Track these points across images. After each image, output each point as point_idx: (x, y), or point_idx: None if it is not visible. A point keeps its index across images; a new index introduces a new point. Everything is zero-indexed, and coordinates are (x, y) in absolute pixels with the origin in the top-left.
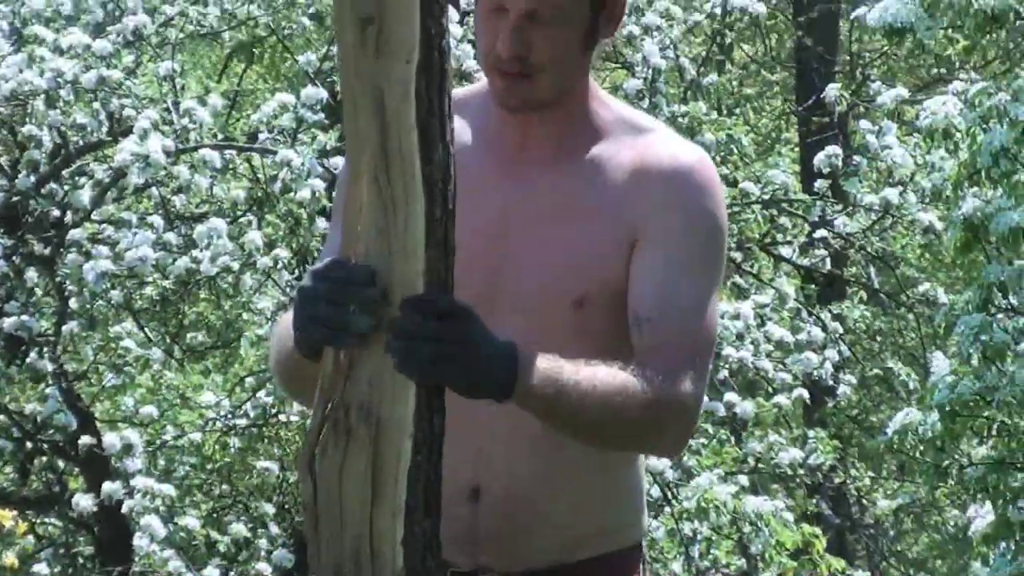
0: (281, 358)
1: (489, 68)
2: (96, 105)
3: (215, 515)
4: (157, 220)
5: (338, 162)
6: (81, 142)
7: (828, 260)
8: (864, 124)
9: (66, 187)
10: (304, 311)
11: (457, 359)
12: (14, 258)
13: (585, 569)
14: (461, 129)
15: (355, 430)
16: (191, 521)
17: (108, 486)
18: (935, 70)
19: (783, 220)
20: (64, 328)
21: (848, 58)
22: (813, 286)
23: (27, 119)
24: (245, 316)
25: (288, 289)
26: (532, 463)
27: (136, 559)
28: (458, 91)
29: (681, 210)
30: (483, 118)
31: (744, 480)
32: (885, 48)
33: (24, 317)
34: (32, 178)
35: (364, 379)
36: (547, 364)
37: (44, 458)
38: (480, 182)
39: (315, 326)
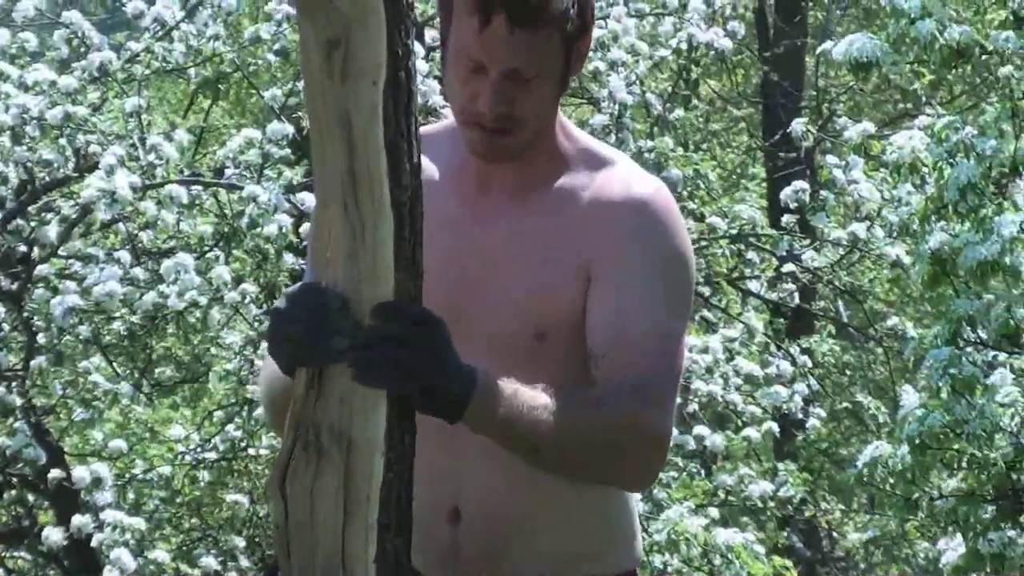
0: (269, 388)
1: (465, 122)
2: (62, 141)
3: (185, 548)
4: (124, 255)
5: (305, 197)
6: (47, 178)
7: (796, 294)
8: (831, 159)
9: (33, 223)
10: (278, 332)
11: (419, 365)
12: None
13: None
14: (426, 165)
15: (326, 450)
16: (161, 554)
17: (78, 519)
18: (901, 105)
19: (751, 255)
20: (32, 363)
21: (814, 93)
22: (782, 320)
23: None
24: (213, 351)
25: (256, 323)
26: (510, 484)
27: None
28: (424, 128)
29: (634, 241)
30: (448, 155)
31: (715, 513)
32: (851, 83)
33: None
34: None
35: (335, 399)
36: (504, 388)
37: (13, 491)
38: (443, 218)
39: (288, 347)
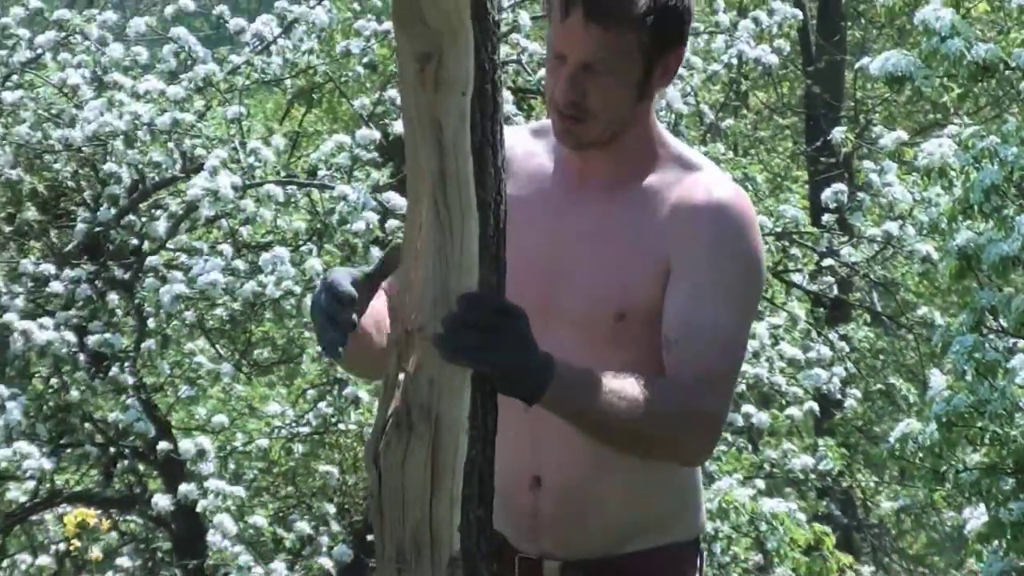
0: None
1: (550, 109)
2: (170, 145)
3: (281, 514)
4: (226, 248)
5: (390, 196)
6: (157, 178)
7: (835, 286)
8: (867, 164)
9: (143, 219)
10: (313, 317)
11: (500, 351)
12: (97, 282)
13: (637, 560)
14: (540, 152)
15: (416, 427)
16: (259, 520)
17: (184, 488)
18: (932, 115)
19: (794, 250)
20: (143, 345)
21: (852, 104)
22: (822, 309)
23: (108, 158)
24: (306, 334)
25: None
26: (585, 454)
27: (209, 554)
28: (544, 121)
29: (708, 242)
30: (557, 146)
31: (761, 484)
32: (886, 95)
33: (107, 335)
34: (112, 211)
35: (425, 381)
36: (579, 376)
37: (125, 462)
38: (545, 203)
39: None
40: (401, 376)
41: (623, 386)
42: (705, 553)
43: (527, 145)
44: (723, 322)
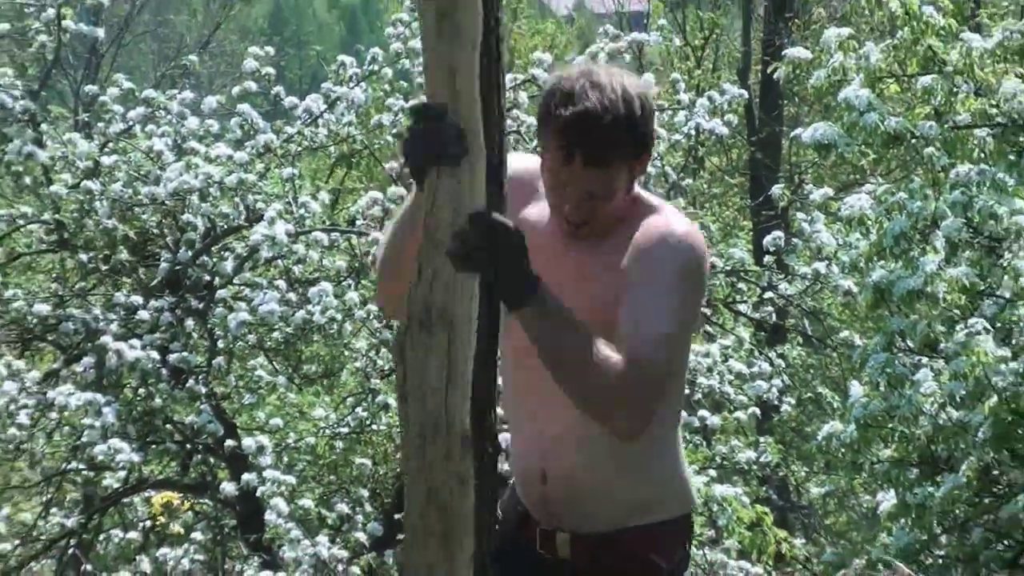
0: (388, 242)
1: (555, 211)
2: (236, 199)
3: (324, 498)
4: (281, 284)
5: None
6: (225, 226)
7: (774, 314)
8: (800, 215)
9: (214, 259)
10: (413, 143)
11: (499, 261)
12: (176, 311)
13: (631, 535)
14: (540, 195)
15: (435, 326)
16: (307, 502)
17: (246, 476)
18: (852, 175)
19: (741, 285)
20: (213, 362)
21: (788, 166)
22: (763, 333)
23: (186, 210)
24: (346, 353)
25: (376, 334)
26: (581, 455)
27: (267, 530)
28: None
29: (656, 256)
30: None
31: (713, 473)
32: (815, 159)
33: (184, 354)
34: (189, 253)
35: (441, 286)
36: (558, 304)
37: (199, 456)
38: (550, 235)
39: (420, 152)
40: (422, 283)
41: (586, 339)
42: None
43: (534, 182)
44: (661, 328)
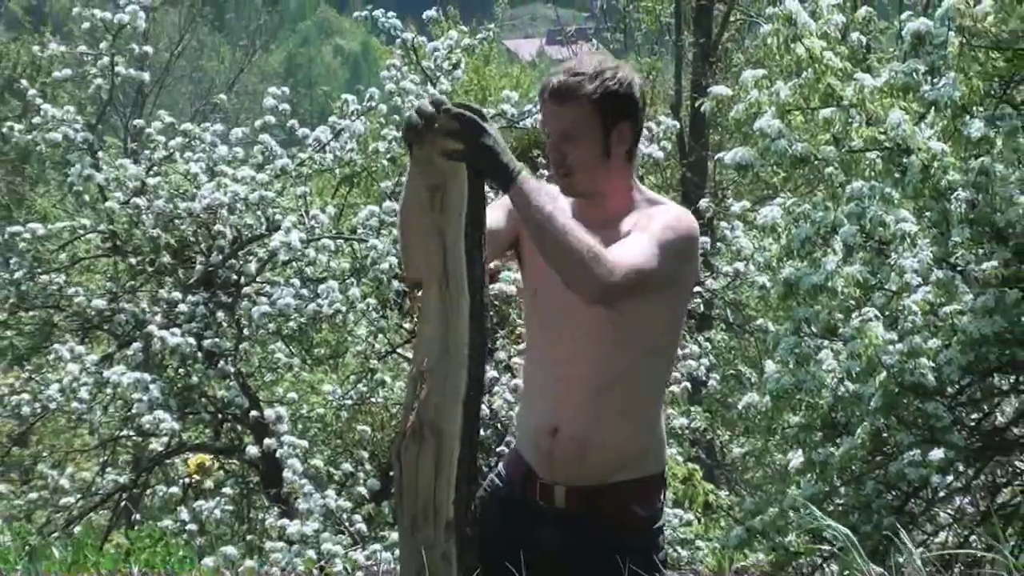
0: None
1: (552, 172)
2: (258, 213)
3: (332, 458)
4: (296, 282)
5: None
6: (249, 235)
7: (702, 305)
8: (723, 224)
9: (241, 262)
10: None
11: (492, 147)
12: (209, 305)
13: (621, 487)
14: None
15: (426, 436)
16: (318, 462)
17: (267, 441)
18: (766, 191)
19: None
20: (240, 346)
21: (713, 184)
22: (693, 321)
23: (217, 221)
24: (349, 339)
25: (374, 324)
26: (588, 411)
27: (284, 485)
28: None
29: (652, 219)
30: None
31: None
32: (735, 178)
33: (216, 340)
34: (220, 257)
35: (432, 404)
36: (541, 185)
37: (228, 424)
38: None
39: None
40: (415, 402)
41: (567, 216)
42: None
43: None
44: (643, 249)
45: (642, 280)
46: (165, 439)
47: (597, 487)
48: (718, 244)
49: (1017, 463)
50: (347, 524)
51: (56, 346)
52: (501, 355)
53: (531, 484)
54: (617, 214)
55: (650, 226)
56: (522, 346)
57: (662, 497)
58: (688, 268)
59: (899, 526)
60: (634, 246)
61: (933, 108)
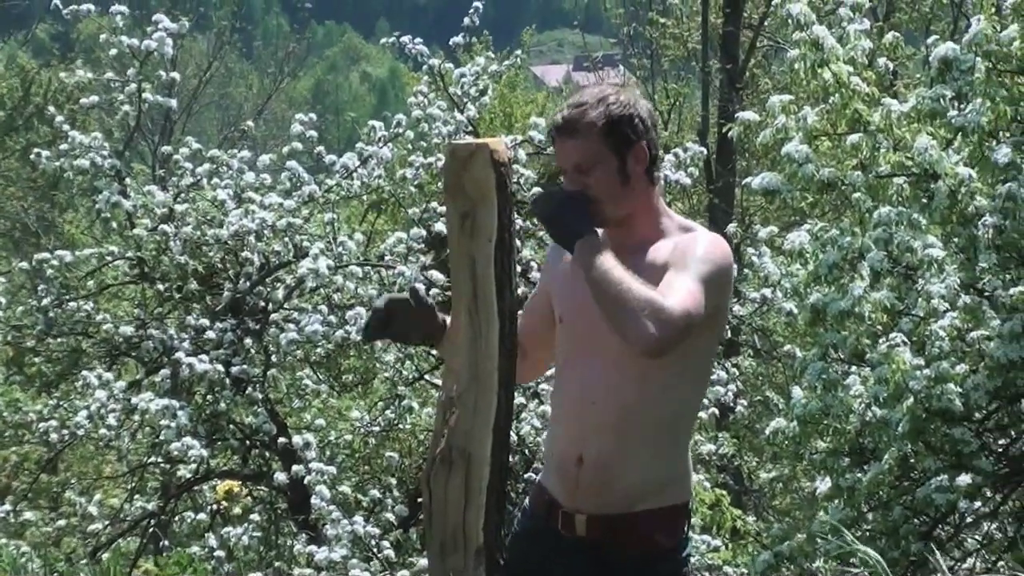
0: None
1: None
2: (286, 239)
3: (360, 484)
4: (323, 308)
5: (432, 273)
6: (277, 261)
7: (729, 331)
8: (750, 249)
9: (268, 288)
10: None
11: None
12: (237, 331)
13: (643, 516)
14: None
15: (456, 462)
16: (345, 488)
17: (295, 468)
18: (793, 216)
19: None
20: (268, 373)
21: (740, 209)
22: (720, 347)
23: (244, 247)
24: (377, 365)
25: (402, 349)
26: (612, 443)
27: (313, 511)
28: None
29: (688, 250)
30: None
31: None
32: (762, 203)
33: (244, 366)
34: (248, 283)
35: (462, 431)
36: (608, 252)
37: (256, 450)
38: None
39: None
40: (445, 429)
41: (624, 273)
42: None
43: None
44: (687, 288)
45: (693, 324)
46: (193, 466)
47: (620, 515)
48: (745, 270)
49: None
50: (375, 550)
51: (84, 373)
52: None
53: (553, 513)
54: (647, 239)
55: (688, 262)
56: (550, 372)
57: (687, 527)
58: (727, 298)
59: (932, 549)
60: (681, 290)
61: (960, 134)
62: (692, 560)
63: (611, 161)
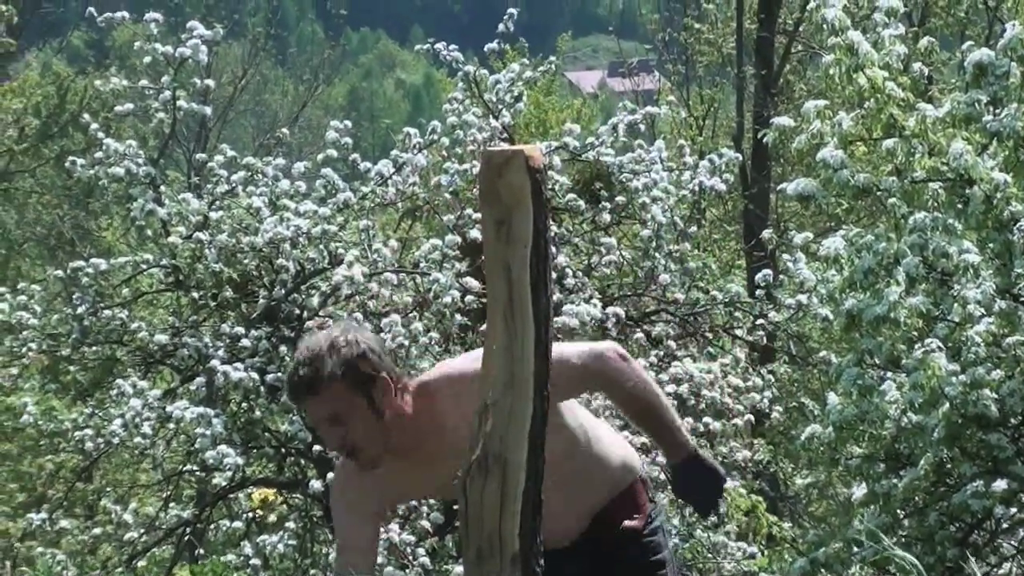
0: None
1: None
2: (321, 247)
3: None
4: (358, 315)
5: (468, 280)
6: (312, 268)
7: (765, 338)
8: (786, 256)
9: (303, 296)
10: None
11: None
12: (272, 339)
13: (608, 509)
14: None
15: (491, 468)
16: None
17: (331, 475)
18: (828, 222)
19: (737, 314)
20: None
21: (775, 215)
22: (756, 353)
23: (279, 255)
24: (412, 372)
25: (438, 357)
26: (573, 492)
27: None
28: None
29: (466, 370)
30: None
31: None
32: (798, 209)
33: (279, 374)
34: (283, 291)
35: (497, 437)
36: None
37: (292, 458)
38: (425, 470)
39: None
40: (481, 435)
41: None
42: (649, 483)
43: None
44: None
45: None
46: (228, 474)
47: (591, 524)
48: (781, 276)
49: None
50: (411, 558)
51: (119, 381)
52: None
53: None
54: (437, 419)
55: (469, 362)
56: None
57: (648, 498)
58: None
59: (968, 555)
60: (557, 350)
61: (995, 139)
62: (664, 528)
63: (360, 403)
